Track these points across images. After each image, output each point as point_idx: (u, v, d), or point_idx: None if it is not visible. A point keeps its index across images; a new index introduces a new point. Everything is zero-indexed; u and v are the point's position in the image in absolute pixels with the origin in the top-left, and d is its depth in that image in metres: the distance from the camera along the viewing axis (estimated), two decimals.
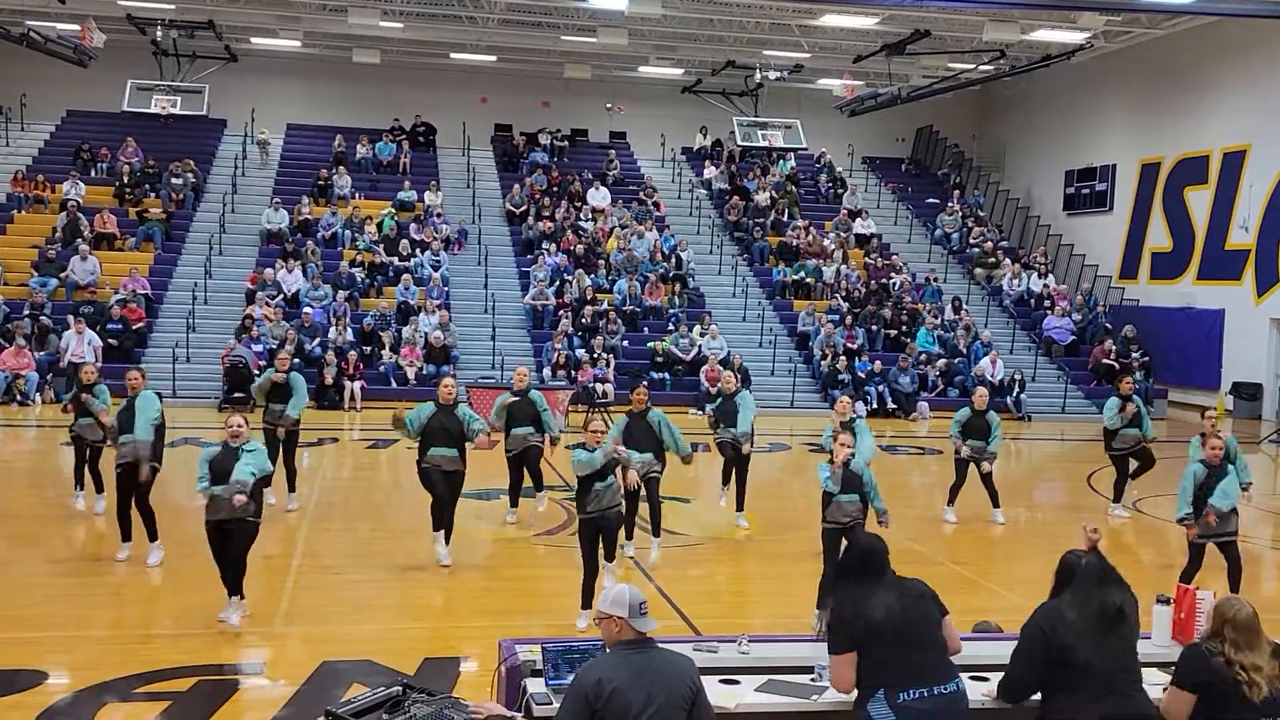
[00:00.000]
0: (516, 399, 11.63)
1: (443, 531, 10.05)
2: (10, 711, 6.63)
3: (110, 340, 21.39)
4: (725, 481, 12.26)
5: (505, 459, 11.79)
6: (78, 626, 8.37)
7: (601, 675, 4.49)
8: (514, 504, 11.93)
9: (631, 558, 10.42)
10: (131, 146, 27.58)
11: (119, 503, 9.97)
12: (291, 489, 12.19)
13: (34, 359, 20.48)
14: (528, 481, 11.79)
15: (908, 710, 4.67)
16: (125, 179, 26.59)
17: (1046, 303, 26.79)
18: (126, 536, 9.96)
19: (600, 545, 8.59)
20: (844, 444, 8.87)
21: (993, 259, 28.55)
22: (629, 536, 10.55)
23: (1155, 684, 5.55)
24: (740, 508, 12.03)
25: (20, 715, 6.56)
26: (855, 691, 4.87)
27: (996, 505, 12.50)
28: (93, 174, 27.16)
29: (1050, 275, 27.95)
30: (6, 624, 8.27)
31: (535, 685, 5.15)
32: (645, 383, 11.30)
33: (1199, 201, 25.90)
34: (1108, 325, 26.06)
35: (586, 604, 8.37)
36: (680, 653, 4.82)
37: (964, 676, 5.41)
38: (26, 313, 21.50)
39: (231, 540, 8.17)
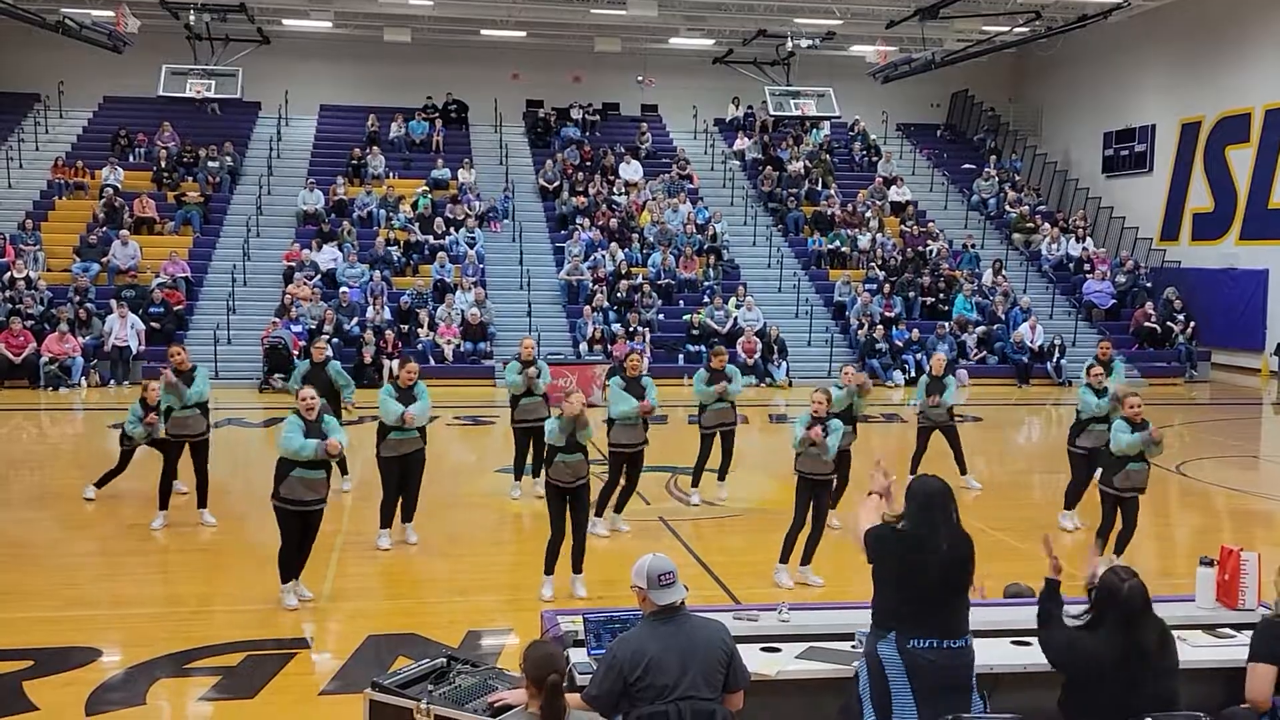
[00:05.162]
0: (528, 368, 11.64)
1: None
2: (65, 688, 6.77)
3: (152, 323, 21.68)
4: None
5: (515, 430, 11.74)
6: (128, 604, 8.53)
7: (634, 648, 4.56)
8: (518, 477, 11.93)
9: (667, 525, 10.47)
10: (168, 131, 27.82)
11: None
12: (344, 471, 12.17)
13: (79, 343, 20.79)
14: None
15: (914, 656, 4.72)
16: (163, 163, 26.85)
17: (1086, 266, 26.49)
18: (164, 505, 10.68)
19: (570, 513, 8.58)
20: (817, 401, 8.96)
21: (1031, 224, 28.24)
22: (617, 509, 10.56)
23: (1201, 645, 5.54)
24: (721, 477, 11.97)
25: (74, 691, 6.70)
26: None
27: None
28: (130, 159, 27.44)
29: (1089, 239, 27.61)
30: (59, 603, 8.46)
31: (578, 655, 5.21)
32: (640, 350, 11.21)
33: (1241, 160, 25.44)
34: (1149, 288, 25.76)
35: (549, 570, 8.53)
36: (711, 618, 4.87)
37: (1006, 641, 5.43)
38: (70, 298, 21.82)
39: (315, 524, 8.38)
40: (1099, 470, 9.43)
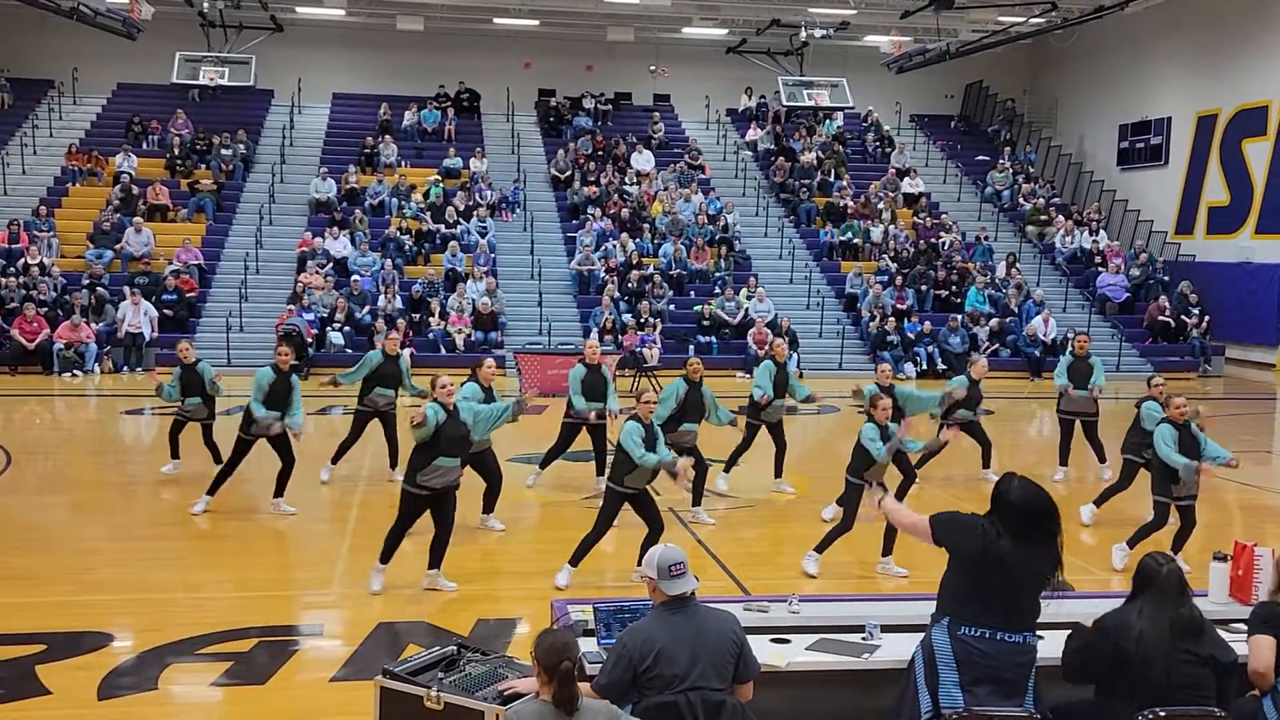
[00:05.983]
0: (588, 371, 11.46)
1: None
2: (77, 672, 6.81)
3: (165, 310, 21.75)
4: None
5: (562, 424, 11.66)
6: (141, 589, 8.56)
7: (644, 637, 4.58)
8: (543, 466, 11.82)
9: (680, 517, 10.48)
10: (181, 118, 27.87)
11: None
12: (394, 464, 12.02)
13: (92, 330, 20.87)
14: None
15: (965, 643, 4.70)
16: (176, 151, 26.90)
17: (1099, 260, 26.38)
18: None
19: (641, 512, 8.59)
20: (884, 407, 9.04)
21: (1044, 216, 28.13)
22: (696, 502, 10.71)
23: None
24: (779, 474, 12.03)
25: (87, 675, 6.74)
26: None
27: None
28: (144, 146, 27.49)
29: (1103, 232, 27.50)
30: (72, 587, 8.50)
31: (588, 645, 5.20)
32: (695, 353, 11.22)
33: (1257, 154, 25.29)
34: (1164, 281, 25.65)
35: (574, 561, 8.54)
36: (721, 609, 4.88)
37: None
38: (84, 284, 21.89)
39: (446, 506, 8.33)
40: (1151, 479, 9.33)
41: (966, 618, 4.73)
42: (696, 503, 10.73)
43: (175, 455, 11.92)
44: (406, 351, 15.16)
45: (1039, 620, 4.84)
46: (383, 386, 11.69)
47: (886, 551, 9.01)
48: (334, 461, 11.96)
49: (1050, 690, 5.05)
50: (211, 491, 10.60)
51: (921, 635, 4.95)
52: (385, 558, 8.35)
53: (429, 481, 8.14)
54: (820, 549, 8.95)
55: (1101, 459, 12.88)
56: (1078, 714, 5.02)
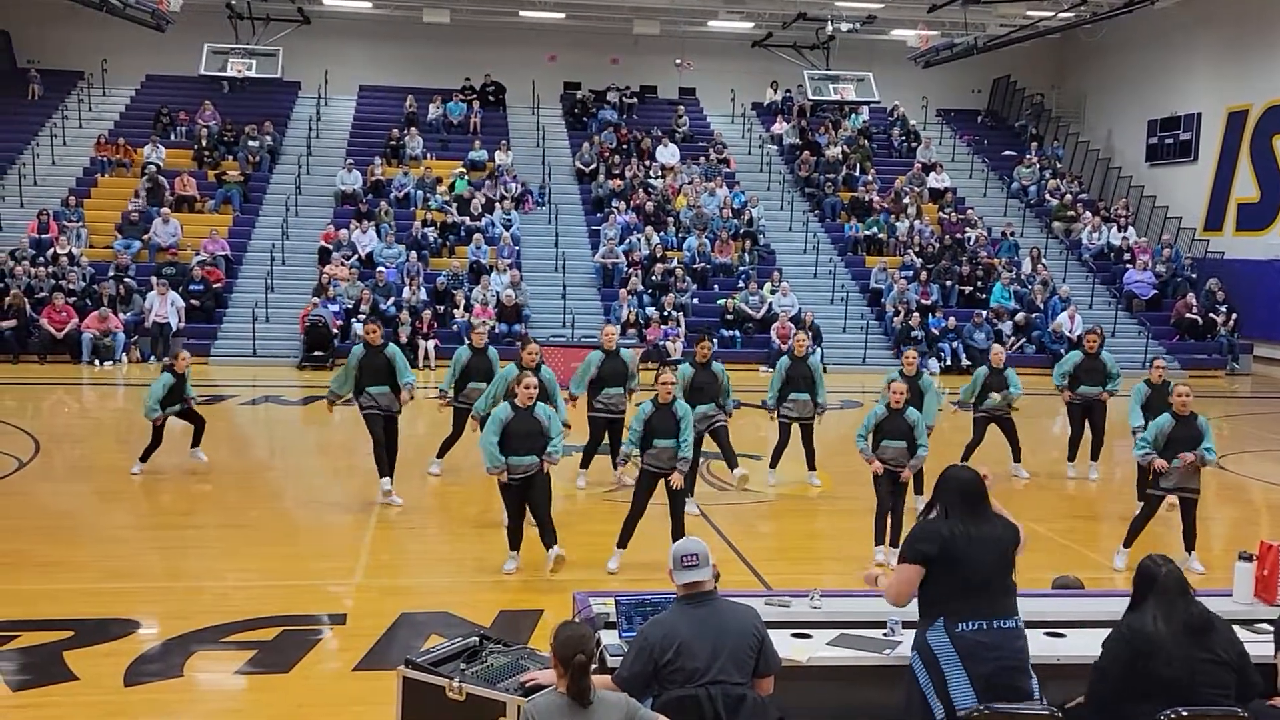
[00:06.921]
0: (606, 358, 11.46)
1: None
2: (104, 659, 6.89)
3: (192, 301, 21.91)
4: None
5: (588, 419, 11.65)
6: (167, 578, 8.65)
7: (666, 630, 4.59)
8: (585, 466, 11.84)
9: (698, 512, 10.49)
10: (209, 110, 28.03)
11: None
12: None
13: (121, 320, 21.04)
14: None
15: (964, 639, 4.71)
16: (204, 142, 27.07)
17: (1127, 256, 26.18)
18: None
19: (652, 494, 8.80)
20: (897, 391, 9.22)
21: (1071, 212, 27.93)
22: (689, 494, 10.63)
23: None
24: (811, 466, 12.01)
25: (114, 662, 6.82)
26: (907, 605, 4.95)
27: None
28: (172, 137, 27.68)
29: (1131, 228, 27.28)
30: (99, 575, 8.59)
31: (609, 637, 5.22)
32: (712, 336, 11.19)
33: None
34: (1192, 278, 25.43)
35: (622, 544, 8.73)
36: (742, 603, 4.88)
37: (1040, 633, 5.40)
38: (111, 274, 22.07)
39: (532, 491, 8.56)
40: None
41: (959, 614, 4.74)
42: (689, 493, 10.65)
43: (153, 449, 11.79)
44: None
45: (1049, 620, 4.83)
46: (475, 380, 11.47)
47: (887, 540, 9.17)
48: (439, 456, 12.07)
49: (1068, 690, 5.03)
50: (387, 474, 10.65)
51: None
52: (512, 546, 8.71)
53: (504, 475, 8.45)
54: (881, 542, 9.23)
55: (1091, 455, 12.74)
56: (1097, 715, 5.00)
